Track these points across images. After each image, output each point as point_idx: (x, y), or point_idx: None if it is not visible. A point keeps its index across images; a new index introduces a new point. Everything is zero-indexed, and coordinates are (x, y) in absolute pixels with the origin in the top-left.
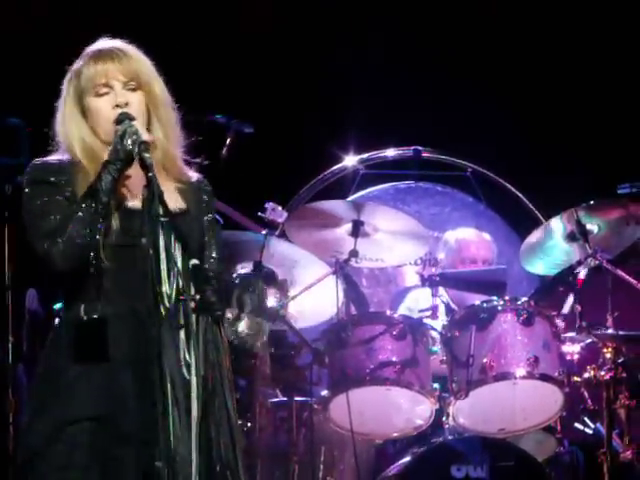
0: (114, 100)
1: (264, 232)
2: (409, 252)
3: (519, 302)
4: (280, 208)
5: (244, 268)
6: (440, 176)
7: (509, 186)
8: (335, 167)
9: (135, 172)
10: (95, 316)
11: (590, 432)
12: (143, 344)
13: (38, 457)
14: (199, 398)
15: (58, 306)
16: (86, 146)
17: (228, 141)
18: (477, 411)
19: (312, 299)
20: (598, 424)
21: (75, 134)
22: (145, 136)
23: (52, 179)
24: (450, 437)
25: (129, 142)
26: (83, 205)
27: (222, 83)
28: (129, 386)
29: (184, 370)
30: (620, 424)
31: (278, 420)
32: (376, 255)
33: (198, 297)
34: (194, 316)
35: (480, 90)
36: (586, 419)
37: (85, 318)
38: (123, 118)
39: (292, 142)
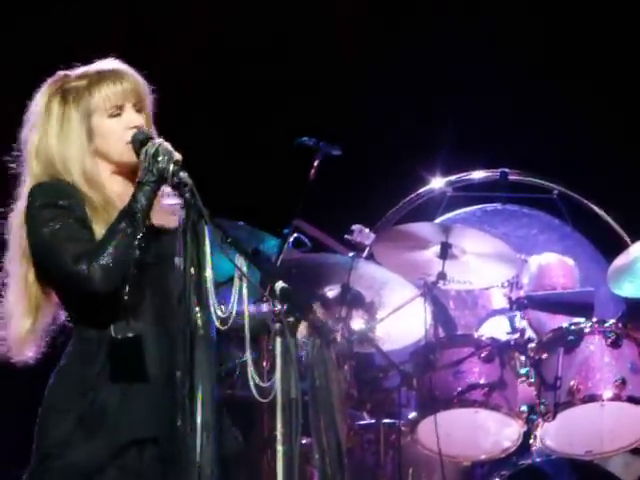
0: (127, 121)
1: (351, 254)
2: (496, 275)
3: (607, 324)
4: (367, 230)
5: (332, 290)
6: (527, 198)
7: (596, 208)
8: (422, 189)
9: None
10: (130, 335)
11: None
12: (173, 362)
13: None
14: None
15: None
16: (86, 169)
17: (316, 163)
18: (564, 433)
19: (400, 321)
20: None
21: (75, 156)
22: (177, 154)
23: (61, 202)
24: (538, 459)
25: (162, 161)
26: (121, 227)
27: (311, 105)
28: (169, 406)
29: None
30: None
31: (365, 442)
32: (464, 277)
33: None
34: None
35: (568, 111)
36: None
37: (119, 337)
38: (145, 138)
39: (379, 164)
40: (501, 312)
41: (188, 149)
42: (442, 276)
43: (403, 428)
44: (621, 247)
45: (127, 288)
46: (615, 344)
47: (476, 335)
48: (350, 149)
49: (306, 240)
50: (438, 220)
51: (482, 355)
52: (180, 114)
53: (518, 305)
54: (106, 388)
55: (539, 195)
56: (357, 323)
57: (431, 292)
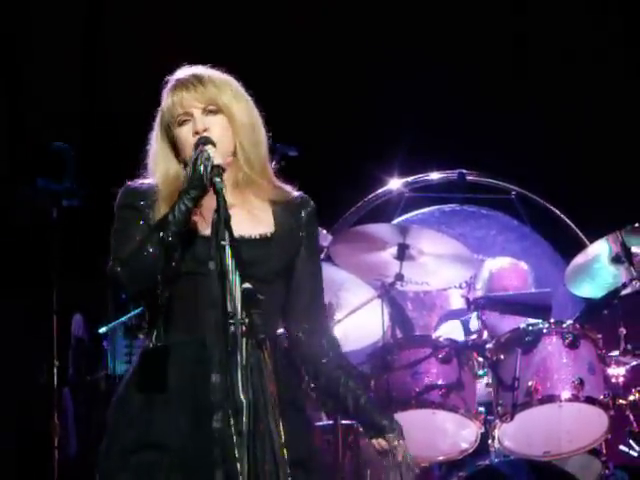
0: (193, 128)
1: None
2: (454, 275)
3: (564, 325)
4: (325, 232)
5: None
6: (485, 199)
7: (554, 209)
8: (380, 190)
9: (210, 200)
10: (159, 344)
11: (635, 454)
12: (204, 372)
13: None
14: (248, 423)
15: (102, 330)
16: (169, 177)
17: (273, 164)
18: (522, 434)
19: (357, 323)
20: None
21: (162, 169)
22: (217, 160)
23: (138, 204)
24: (496, 460)
25: (201, 168)
26: (154, 235)
27: (267, 106)
28: (189, 418)
29: (241, 395)
30: None
31: (324, 443)
32: (421, 278)
33: (246, 321)
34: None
35: (524, 113)
36: (631, 442)
37: (151, 346)
38: (199, 143)
39: (337, 165)
40: (458, 313)
41: None
42: (399, 277)
43: (361, 429)
44: (579, 248)
45: (164, 297)
46: (573, 345)
47: (434, 336)
48: (307, 150)
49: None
50: (396, 221)
51: (440, 356)
52: None
53: (476, 306)
54: (133, 397)
55: (497, 196)
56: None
57: (389, 293)
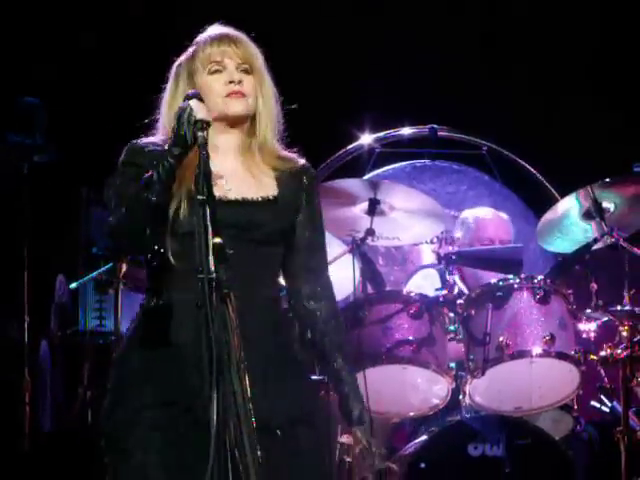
0: (227, 77)
1: None
2: (425, 230)
3: (535, 280)
4: None
5: None
6: (456, 154)
7: (525, 164)
8: (351, 146)
9: (237, 163)
10: (161, 303)
11: (607, 410)
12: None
13: (120, 441)
14: (212, 379)
15: (73, 286)
16: None
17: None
18: (493, 390)
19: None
20: (615, 402)
21: None
22: (200, 114)
23: (141, 162)
24: (467, 416)
25: (185, 123)
26: (140, 193)
27: None
28: (194, 372)
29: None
30: (637, 402)
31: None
32: (392, 234)
33: (214, 275)
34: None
35: (495, 67)
36: (603, 397)
37: (152, 305)
38: (186, 97)
39: (307, 121)
40: (431, 267)
41: None
42: (370, 232)
43: (331, 384)
44: (550, 202)
45: (163, 256)
46: (544, 300)
47: (405, 291)
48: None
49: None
50: (367, 176)
51: (411, 311)
52: None
53: (447, 261)
54: (136, 354)
55: (468, 151)
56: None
57: (359, 248)
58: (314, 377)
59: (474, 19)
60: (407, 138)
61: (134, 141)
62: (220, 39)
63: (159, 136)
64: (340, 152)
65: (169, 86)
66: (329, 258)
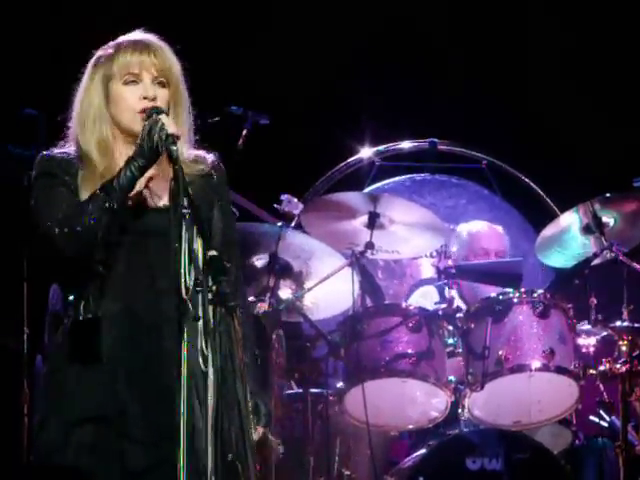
0: (142, 91)
1: (280, 224)
2: (425, 244)
3: (535, 294)
4: (296, 200)
5: (260, 260)
6: (456, 168)
7: (524, 178)
8: (351, 159)
9: (158, 171)
10: (89, 316)
11: (605, 425)
12: (138, 343)
13: (50, 461)
14: (215, 390)
15: (71, 299)
16: (101, 133)
17: (244, 132)
18: (492, 403)
19: (328, 291)
20: (613, 417)
21: (92, 119)
22: (171, 129)
23: (57, 172)
24: (465, 429)
25: (156, 137)
26: (98, 198)
27: (238, 74)
28: (126, 386)
29: (201, 362)
30: (636, 417)
31: (293, 412)
32: (392, 247)
33: (214, 288)
34: (211, 308)
35: (496, 82)
36: (601, 412)
37: (81, 318)
38: (152, 112)
39: (308, 134)
40: (429, 282)
41: None
42: (370, 246)
43: (331, 398)
44: (550, 217)
45: (98, 264)
46: (543, 314)
47: (404, 305)
48: (280, 118)
49: (234, 209)
50: (367, 190)
51: (410, 325)
52: None
53: (446, 274)
54: (65, 369)
55: (468, 165)
56: (285, 292)
57: (359, 262)
58: (290, 391)
59: (474, 34)
60: (407, 152)
61: (44, 153)
62: (141, 47)
63: (67, 147)
64: (340, 165)
65: (84, 82)
66: (328, 270)
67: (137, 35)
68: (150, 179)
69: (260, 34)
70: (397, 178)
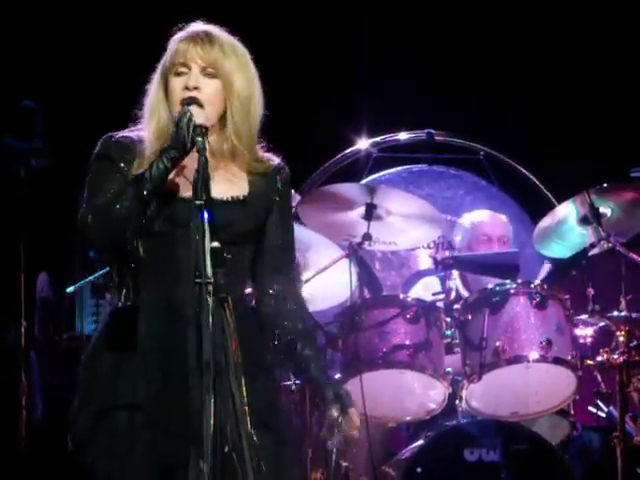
0: (185, 81)
1: None
2: (422, 235)
3: (532, 285)
4: (293, 191)
5: None
6: (453, 159)
7: (522, 169)
8: (348, 150)
9: (193, 162)
10: (128, 304)
11: (603, 415)
12: (174, 333)
13: (84, 448)
14: (211, 383)
15: (70, 290)
16: (160, 125)
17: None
18: (490, 395)
19: (325, 282)
20: (611, 407)
21: (155, 110)
22: (200, 119)
23: (115, 156)
24: (463, 420)
25: (184, 128)
26: (129, 189)
27: None
28: (160, 377)
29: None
30: (633, 407)
31: (291, 404)
32: (389, 238)
33: (212, 280)
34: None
35: (492, 73)
36: (599, 402)
37: (120, 305)
38: (186, 102)
39: (305, 125)
40: (428, 273)
41: None
42: (367, 237)
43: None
44: (547, 208)
45: (135, 256)
46: (540, 305)
47: (402, 296)
48: (275, 110)
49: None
50: (364, 181)
51: (407, 316)
52: None
53: (444, 266)
54: (102, 356)
55: (465, 156)
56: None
57: (356, 253)
58: (286, 383)
59: (472, 23)
60: (404, 143)
61: (109, 135)
62: (190, 38)
63: (135, 131)
64: (337, 156)
65: (154, 79)
66: (326, 262)
67: (194, 26)
68: (182, 169)
69: (256, 23)
70: (394, 169)
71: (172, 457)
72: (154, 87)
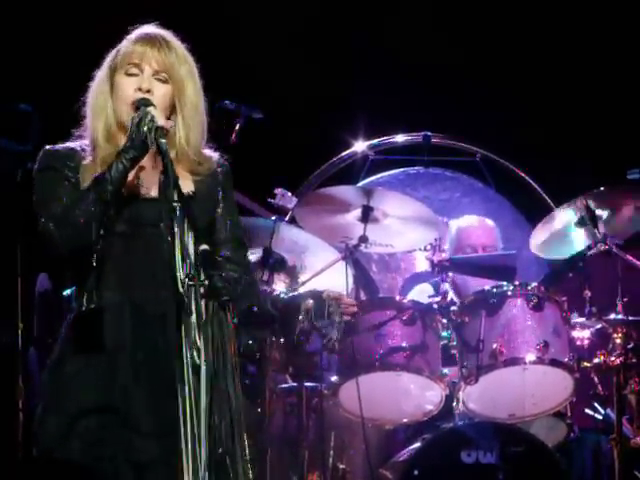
0: (138, 83)
1: (273, 218)
2: (418, 238)
3: (529, 287)
4: (290, 194)
5: (254, 254)
6: (450, 161)
7: (518, 171)
8: (345, 153)
9: (150, 162)
10: (92, 306)
11: (600, 418)
12: (142, 333)
13: (56, 454)
14: (207, 383)
15: (67, 293)
16: (107, 122)
17: (237, 127)
18: (487, 396)
19: (322, 285)
20: (608, 410)
21: (101, 107)
22: (161, 122)
23: (57, 165)
24: (460, 422)
25: (145, 129)
26: (89, 191)
27: (231, 68)
28: (131, 377)
29: (195, 355)
30: (630, 410)
31: (288, 406)
32: (386, 241)
33: (207, 282)
34: (204, 302)
35: (489, 75)
36: (596, 405)
37: (84, 309)
38: (141, 104)
39: (302, 128)
40: (424, 275)
41: None
42: (363, 239)
43: (325, 392)
44: (544, 210)
45: (95, 256)
46: (537, 307)
47: (398, 298)
48: (273, 113)
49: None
50: (360, 183)
51: (404, 318)
52: None
53: (440, 268)
54: (69, 360)
55: (462, 158)
56: (279, 286)
57: (353, 255)
58: (285, 385)
59: (469, 25)
60: (401, 145)
61: (47, 148)
62: (147, 40)
63: (73, 140)
64: (334, 159)
65: (97, 77)
66: (322, 264)
67: (147, 28)
68: (141, 169)
69: (254, 28)
70: (391, 172)
71: (146, 455)
72: (100, 85)
